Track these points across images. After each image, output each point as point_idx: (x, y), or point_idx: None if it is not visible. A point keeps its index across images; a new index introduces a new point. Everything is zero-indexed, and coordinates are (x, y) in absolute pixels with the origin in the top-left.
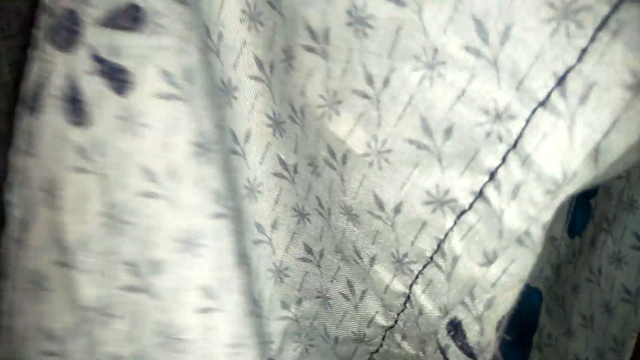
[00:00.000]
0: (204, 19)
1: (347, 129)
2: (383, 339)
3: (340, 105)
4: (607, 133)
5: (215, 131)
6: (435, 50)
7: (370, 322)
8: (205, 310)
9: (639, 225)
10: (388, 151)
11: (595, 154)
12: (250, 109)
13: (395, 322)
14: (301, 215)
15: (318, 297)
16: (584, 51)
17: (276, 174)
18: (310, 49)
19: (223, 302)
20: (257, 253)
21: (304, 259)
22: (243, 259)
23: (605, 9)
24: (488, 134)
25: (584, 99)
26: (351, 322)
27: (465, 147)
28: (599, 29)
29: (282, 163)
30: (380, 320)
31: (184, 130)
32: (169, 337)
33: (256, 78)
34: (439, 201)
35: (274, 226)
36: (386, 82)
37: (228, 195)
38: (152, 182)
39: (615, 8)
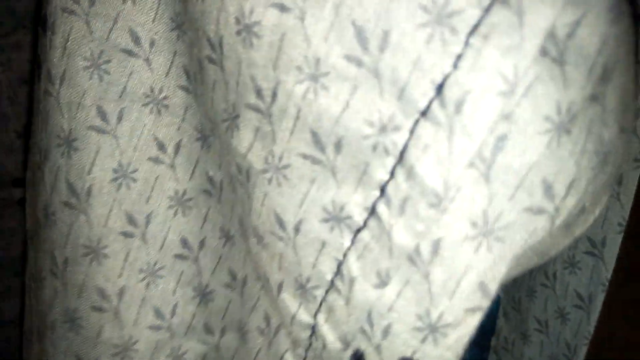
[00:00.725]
0: (131, 25)
1: (247, 144)
2: None
3: (239, 120)
4: (484, 141)
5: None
6: (318, 61)
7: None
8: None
9: (591, 230)
10: (285, 167)
11: (475, 163)
12: (181, 121)
13: (304, 357)
14: (227, 237)
15: (239, 330)
16: (459, 57)
17: (205, 192)
18: (211, 60)
19: (118, 307)
20: (178, 268)
21: (228, 286)
22: (152, 271)
23: (476, 13)
24: (375, 147)
25: (460, 107)
26: (264, 358)
27: (356, 161)
28: (471, 33)
29: (210, 180)
30: (289, 357)
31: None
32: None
33: (185, 89)
34: (336, 218)
35: (201, 246)
36: (274, 95)
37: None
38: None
39: (486, 11)
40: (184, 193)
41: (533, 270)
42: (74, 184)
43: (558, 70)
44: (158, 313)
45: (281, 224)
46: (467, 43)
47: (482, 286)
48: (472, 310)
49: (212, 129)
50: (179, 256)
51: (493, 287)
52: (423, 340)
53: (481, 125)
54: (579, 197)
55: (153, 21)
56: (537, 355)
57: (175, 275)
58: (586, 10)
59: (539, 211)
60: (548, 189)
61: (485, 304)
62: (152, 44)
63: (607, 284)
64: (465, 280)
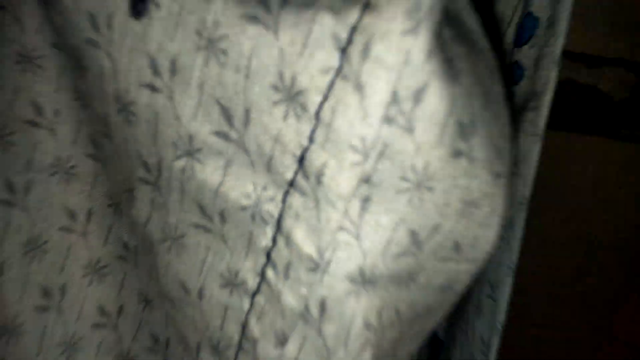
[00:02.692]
0: (33, 96)
1: (145, 215)
2: None
3: (135, 192)
4: (349, 205)
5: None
6: (191, 137)
7: None
8: None
9: (492, 272)
10: (181, 236)
11: (344, 226)
12: (91, 189)
13: None
14: (146, 301)
15: None
16: (312, 132)
17: (119, 258)
18: (106, 135)
19: None
20: (97, 337)
21: (151, 350)
22: (70, 343)
23: (321, 89)
24: (253, 217)
25: (320, 178)
26: None
27: (241, 230)
28: (319, 108)
29: (125, 245)
30: None
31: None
32: None
33: (93, 157)
34: (233, 284)
35: (119, 313)
36: (159, 170)
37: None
38: None
39: (329, 88)
40: (98, 261)
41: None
42: None
43: (408, 136)
44: None
45: (186, 290)
46: (317, 117)
47: (367, 326)
48: (363, 346)
49: (125, 189)
50: (96, 325)
51: (375, 321)
52: None
53: (343, 193)
54: (443, 238)
55: (56, 91)
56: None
57: (94, 345)
58: (428, 77)
59: (405, 254)
60: (414, 236)
61: (374, 337)
62: (56, 113)
63: (500, 328)
64: (354, 327)
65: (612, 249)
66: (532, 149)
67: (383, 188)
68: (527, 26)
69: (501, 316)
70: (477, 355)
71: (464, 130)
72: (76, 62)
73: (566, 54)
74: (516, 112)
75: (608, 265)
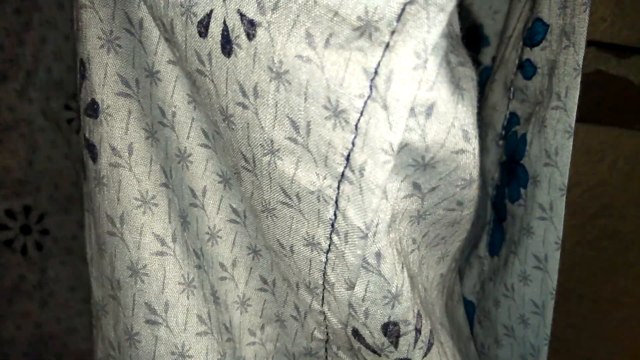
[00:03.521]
0: (159, 103)
1: (249, 191)
2: (326, 351)
3: (241, 174)
4: (384, 193)
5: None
6: (272, 141)
7: (312, 336)
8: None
9: (536, 247)
10: (274, 209)
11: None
12: (204, 170)
13: (327, 334)
14: (255, 252)
15: (277, 321)
16: (354, 138)
17: (230, 221)
18: (218, 134)
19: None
20: (224, 288)
21: (261, 289)
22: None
23: (357, 105)
24: (318, 198)
25: (362, 172)
26: (301, 338)
27: (312, 207)
28: (357, 124)
29: (234, 211)
30: (318, 334)
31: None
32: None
33: (205, 146)
34: (312, 244)
35: (234, 264)
36: (254, 162)
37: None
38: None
39: (363, 109)
40: (214, 227)
41: (496, 283)
42: (160, 235)
43: (422, 140)
44: (226, 328)
45: (282, 246)
46: (356, 129)
47: (398, 251)
48: (402, 267)
49: (233, 172)
50: (222, 278)
51: (399, 247)
52: (392, 307)
53: (379, 183)
54: (443, 192)
55: (171, 97)
56: (509, 356)
57: (223, 294)
58: (435, 98)
59: (411, 196)
60: (417, 186)
61: (404, 259)
62: (173, 114)
63: (554, 292)
64: (393, 257)
65: None
66: (566, 144)
67: (399, 167)
68: (537, 30)
69: (554, 284)
70: (529, 315)
71: (466, 136)
72: (189, 78)
73: (595, 44)
74: (530, 104)
75: (639, 263)
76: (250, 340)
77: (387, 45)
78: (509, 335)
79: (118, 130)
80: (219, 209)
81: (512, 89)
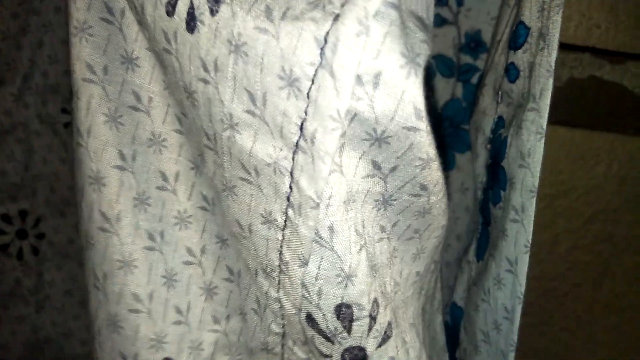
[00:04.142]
0: (134, 88)
1: (211, 171)
2: (282, 347)
3: (204, 155)
4: (332, 162)
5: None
6: (231, 115)
7: (269, 330)
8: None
9: (509, 250)
10: (234, 187)
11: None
12: (177, 156)
13: (283, 327)
14: (222, 241)
15: (240, 314)
16: (306, 107)
17: (201, 208)
18: (185, 116)
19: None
20: (188, 272)
21: (228, 279)
22: (169, 276)
23: (308, 81)
24: (274, 171)
25: (313, 140)
26: (259, 333)
27: (269, 180)
28: (309, 90)
29: (204, 198)
30: (274, 327)
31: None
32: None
33: (179, 132)
34: (269, 221)
35: (203, 251)
36: (215, 138)
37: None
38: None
39: (314, 77)
40: (185, 211)
41: (478, 287)
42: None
43: (371, 110)
44: (178, 310)
45: (241, 227)
46: (308, 97)
47: (357, 232)
48: (360, 250)
49: (198, 154)
50: (186, 262)
51: (361, 230)
52: (345, 286)
53: (329, 150)
54: (404, 173)
55: (149, 83)
56: None
57: (186, 278)
58: (382, 65)
59: (372, 176)
60: (376, 164)
61: (364, 242)
62: (150, 100)
63: (522, 297)
64: (351, 237)
65: (638, 251)
66: (537, 145)
67: (354, 141)
68: (520, 33)
69: (522, 288)
70: (501, 321)
71: (418, 114)
72: (161, 62)
73: (589, 50)
74: (514, 107)
75: (634, 267)
76: (213, 328)
77: (337, 16)
78: (486, 342)
79: (82, 112)
80: (190, 194)
81: (500, 92)
